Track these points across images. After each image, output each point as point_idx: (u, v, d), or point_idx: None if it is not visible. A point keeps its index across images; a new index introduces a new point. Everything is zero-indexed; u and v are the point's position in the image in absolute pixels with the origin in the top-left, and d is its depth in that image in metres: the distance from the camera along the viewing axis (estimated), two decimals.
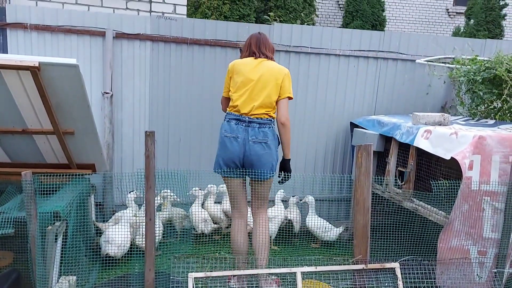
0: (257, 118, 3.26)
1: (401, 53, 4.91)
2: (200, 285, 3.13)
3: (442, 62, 4.81)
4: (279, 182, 3.52)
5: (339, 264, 3.01)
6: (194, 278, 2.82)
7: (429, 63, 4.74)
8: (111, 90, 4.23)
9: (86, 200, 3.62)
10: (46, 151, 3.56)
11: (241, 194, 3.41)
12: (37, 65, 2.69)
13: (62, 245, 3.08)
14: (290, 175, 3.53)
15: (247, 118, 3.25)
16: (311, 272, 2.94)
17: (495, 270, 3.05)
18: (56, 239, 2.93)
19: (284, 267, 2.99)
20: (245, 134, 3.24)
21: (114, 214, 4.09)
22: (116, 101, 4.31)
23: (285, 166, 3.50)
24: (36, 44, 4.09)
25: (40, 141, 3.44)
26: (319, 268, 2.94)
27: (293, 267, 2.92)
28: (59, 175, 3.19)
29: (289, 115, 3.31)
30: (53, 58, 2.94)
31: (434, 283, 3.13)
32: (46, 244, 2.83)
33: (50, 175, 3.15)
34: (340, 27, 10.30)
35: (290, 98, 3.36)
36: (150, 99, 4.42)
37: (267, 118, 3.30)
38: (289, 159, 3.49)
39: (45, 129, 3.27)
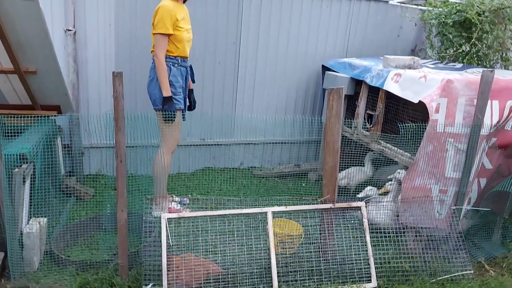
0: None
1: None
2: (173, 226, 3.18)
3: (415, 4, 4.78)
4: (164, 120, 3.47)
5: (308, 204, 3.10)
6: (167, 218, 2.85)
7: (402, 4, 4.70)
8: (74, 27, 4.00)
9: (53, 142, 3.53)
10: (7, 91, 3.41)
11: None
12: None
13: (31, 187, 3.04)
14: (173, 113, 3.45)
15: None
16: (281, 211, 3.03)
17: (454, 207, 3.23)
18: (24, 181, 2.88)
19: (256, 207, 3.06)
20: None
21: None
22: (79, 39, 4.09)
23: (163, 103, 3.45)
24: None
25: (1, 80, 3.29)
26: (289, 208, 3.03)
27: (264, 207, 2.99)
28: (23, 117, 3.08)
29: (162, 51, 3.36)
30: None
31: (398, 220, 3.29)
32: (13, 187, 2.77)
33: (13, 117, 3.04)
34: None
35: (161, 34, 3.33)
36: (116, 35, 4.19)
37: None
38: (168, 96, 3.42)
39: (5, 68, 3.12)
